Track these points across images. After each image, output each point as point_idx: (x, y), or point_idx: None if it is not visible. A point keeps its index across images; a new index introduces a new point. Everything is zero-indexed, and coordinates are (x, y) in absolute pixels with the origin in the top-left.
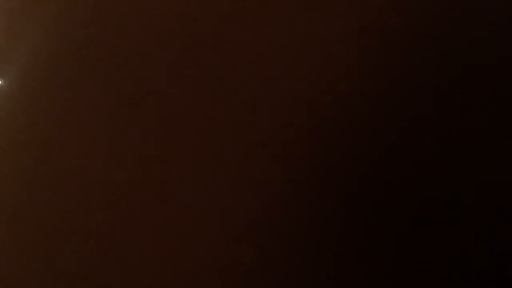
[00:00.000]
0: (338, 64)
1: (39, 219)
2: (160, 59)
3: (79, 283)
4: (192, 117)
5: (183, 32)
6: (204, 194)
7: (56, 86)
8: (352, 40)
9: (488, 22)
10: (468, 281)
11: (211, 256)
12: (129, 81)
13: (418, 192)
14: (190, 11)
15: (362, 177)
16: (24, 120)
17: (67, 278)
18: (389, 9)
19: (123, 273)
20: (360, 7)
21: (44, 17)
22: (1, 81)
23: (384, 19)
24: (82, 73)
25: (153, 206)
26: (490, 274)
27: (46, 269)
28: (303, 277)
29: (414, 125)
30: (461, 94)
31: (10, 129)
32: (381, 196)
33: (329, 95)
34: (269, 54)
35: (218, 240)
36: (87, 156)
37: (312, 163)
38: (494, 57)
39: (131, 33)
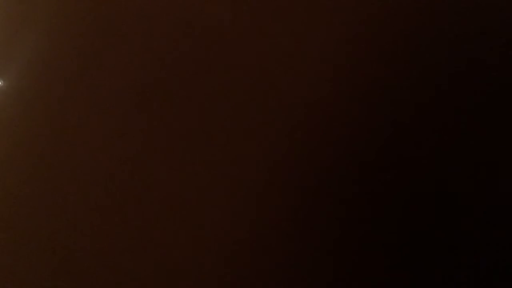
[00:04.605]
0: (338, 64)
1: (38, 218)
2: (159, 59)
3: (77, 281)
4: (191, 116)
5: (184, 32)
6: (204, 194)
7: (55, 86)
8: (352, 40)
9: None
10: (467, 281)
11: (210, 256)
12: (129, 80)
13: (417, 192)
14: (191, 12)
15: (361, 177)
16: (24, 120)
17: (66, 277)
18: (389, 10)
19: (122, 272)
20: (360, 8)
21: (43, 18)
22: (1, 82)
23: (384, 20)
24: (81, 73)
25: (152, 206)
26: (490, 274)
27: (46, 268)
28: (301, 277)
29: (413, 125)
30: (460, 94)
31: (10, 129)
32: (380, 196)
33: (329, 95)
34: (269, 54)
35: (217, 241)
36: (87, 156)
37: (311, 163)
38: (495, 56)
39: (131, 33)
